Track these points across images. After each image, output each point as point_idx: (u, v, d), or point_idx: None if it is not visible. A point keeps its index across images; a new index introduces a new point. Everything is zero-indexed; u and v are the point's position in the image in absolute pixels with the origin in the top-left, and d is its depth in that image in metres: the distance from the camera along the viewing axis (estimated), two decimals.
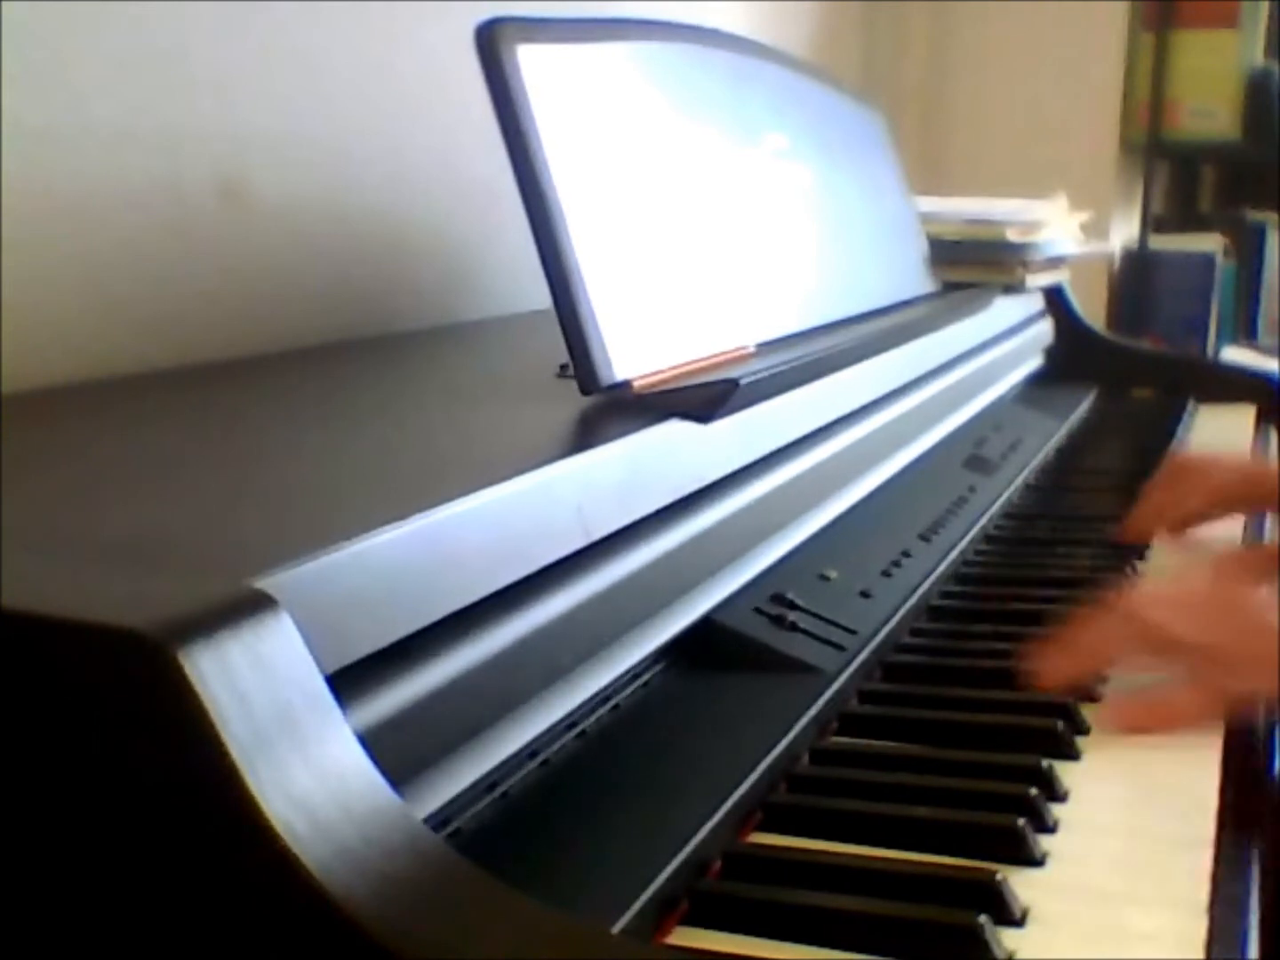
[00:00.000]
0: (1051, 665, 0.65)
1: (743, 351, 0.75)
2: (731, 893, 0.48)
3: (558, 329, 0.63)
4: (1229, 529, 0.96)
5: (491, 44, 0.62)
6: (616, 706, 0.59)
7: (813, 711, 0.60)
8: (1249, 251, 2.40)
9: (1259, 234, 2.40)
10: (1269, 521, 0.97)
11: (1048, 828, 0.53)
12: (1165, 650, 0.65)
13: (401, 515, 0.43)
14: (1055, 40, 2.24)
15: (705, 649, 0.64)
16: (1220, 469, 0.97)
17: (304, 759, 0.34)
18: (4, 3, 0.77)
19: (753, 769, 0.54)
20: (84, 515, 0.47)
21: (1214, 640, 0.64)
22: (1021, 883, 0.48)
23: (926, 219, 1.24)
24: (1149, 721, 0.62)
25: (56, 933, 0.35)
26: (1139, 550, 0.92)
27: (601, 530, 0.55)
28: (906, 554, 0.82)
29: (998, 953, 0.44)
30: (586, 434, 0.60)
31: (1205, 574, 0.80)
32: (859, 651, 0.68)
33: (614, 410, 0.63)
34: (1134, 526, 0.93)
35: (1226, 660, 0.63)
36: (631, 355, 0.65)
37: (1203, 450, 1.07)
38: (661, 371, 0.66)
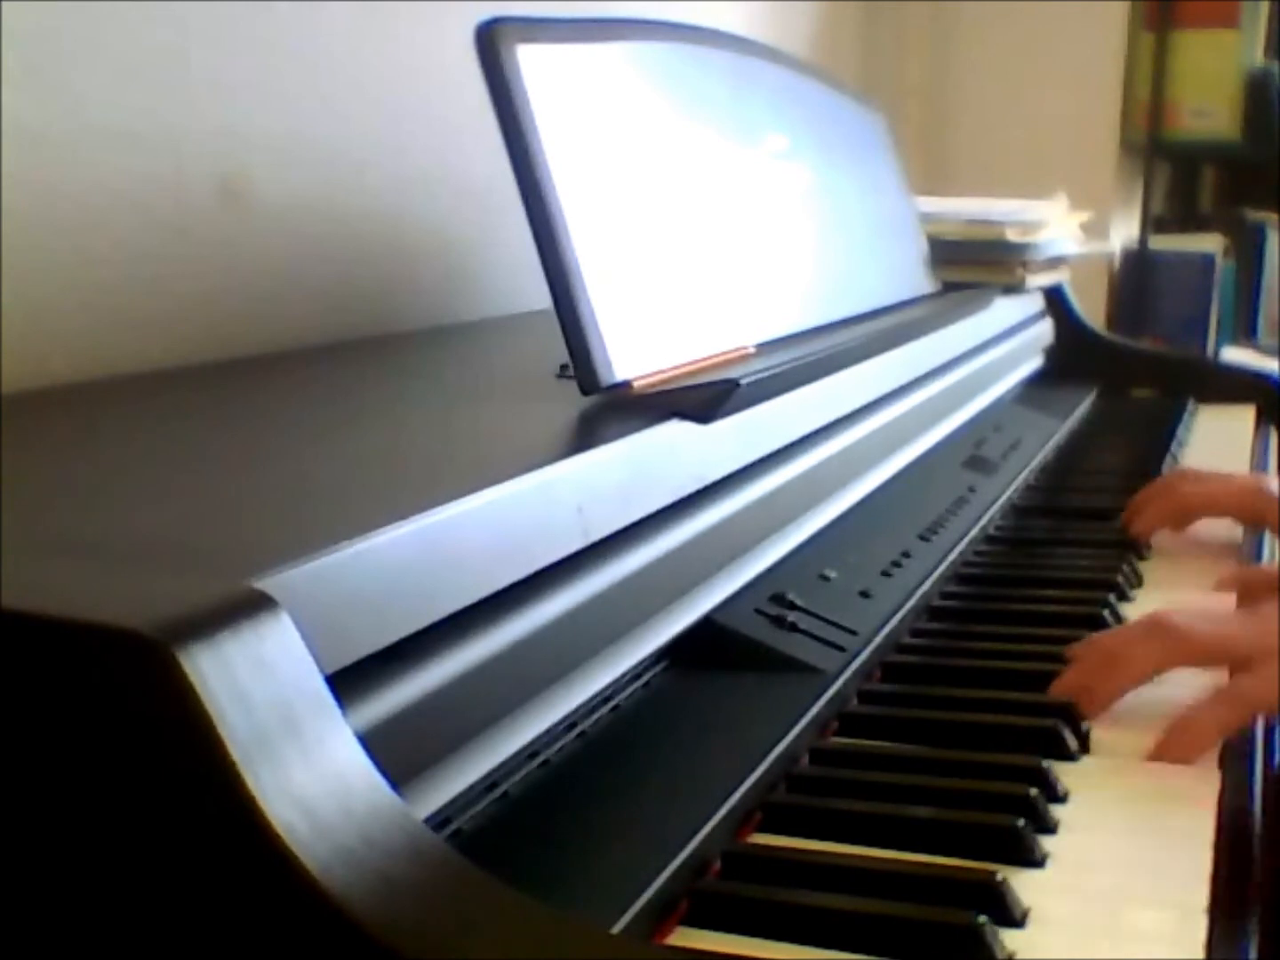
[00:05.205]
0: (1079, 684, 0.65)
1: (743, 351, 0.75)
2: (731, 893, 0.48)
3: (558, 329, 0.63)
4: (1229, 530, 0.96)
5: (491, 44, 0.62)
6: (616, 706, 0.59)
7: (813, 711, 0.60)
8: (1249, 251, 2.40)
9: (1259, 234, 2.40)
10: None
11: (1048, 828, 0.53)
12: (1201, 658, 0.65)
13: (401, 515, 0.43)
14: (1055, 40, 2.24)
15: (705, 649, 0.64)
16: (1219, 478, 0.99)
17: (304, 759, 0.34)
18: (4, 3, 0.77)
19: (753, 769, 0.54)
20: (83, 515, 0.47)
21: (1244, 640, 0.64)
22: (1022, 883, 0.48)
23: (926, 219, 1.24)
24: (1183, 750, 0.60)
25: (56, 933, 0.35)
26: (1138, 550, 0.92)
27: (601, 531, 0.54)
28: (906, 554, 0.82)
29: (998, 953, 0.44)
30: (586, 434, 0.59)
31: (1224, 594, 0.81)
32: (859, 651, 0.68)
33: (614, 410, 0.63)
34: (1132, 516, 0.96)
35: (1260, 660, 0.62)
36: (631, 355, 0.65)
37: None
38: (661, 371, 0.66)
